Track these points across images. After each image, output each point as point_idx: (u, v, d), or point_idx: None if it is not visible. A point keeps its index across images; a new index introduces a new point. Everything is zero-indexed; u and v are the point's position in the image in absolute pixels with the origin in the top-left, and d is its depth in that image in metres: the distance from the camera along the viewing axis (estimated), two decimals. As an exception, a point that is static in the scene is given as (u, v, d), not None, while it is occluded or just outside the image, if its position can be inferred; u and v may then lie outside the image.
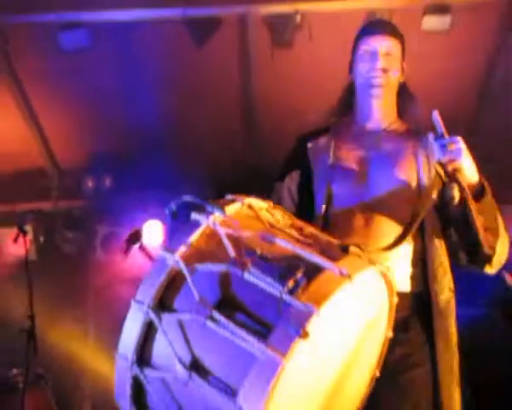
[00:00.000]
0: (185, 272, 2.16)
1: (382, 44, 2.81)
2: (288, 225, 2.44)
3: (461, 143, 2.50)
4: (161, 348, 2.18)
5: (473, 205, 2.50)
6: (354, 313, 2.28)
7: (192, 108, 6.13)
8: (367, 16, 5.80)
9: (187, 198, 2.33)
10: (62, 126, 6.81)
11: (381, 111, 2.88)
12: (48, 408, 5.51)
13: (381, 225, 2.70)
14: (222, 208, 2.28)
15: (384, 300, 2.37)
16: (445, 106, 6.51)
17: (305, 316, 2.00)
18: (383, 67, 2.78)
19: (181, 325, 2.15)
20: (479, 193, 2.55)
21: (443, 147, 2.48)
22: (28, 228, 6.20)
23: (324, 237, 2.41)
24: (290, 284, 2.03)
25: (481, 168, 2.65)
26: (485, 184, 2.57)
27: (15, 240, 5.95)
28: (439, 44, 5.80)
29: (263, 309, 2.09)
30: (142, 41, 6.02)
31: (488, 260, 2.62)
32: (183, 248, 2.20)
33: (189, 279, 2.16)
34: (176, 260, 2.18)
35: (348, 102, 2.94)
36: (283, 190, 2.93)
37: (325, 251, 2.24)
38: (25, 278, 5.41)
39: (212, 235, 2.26)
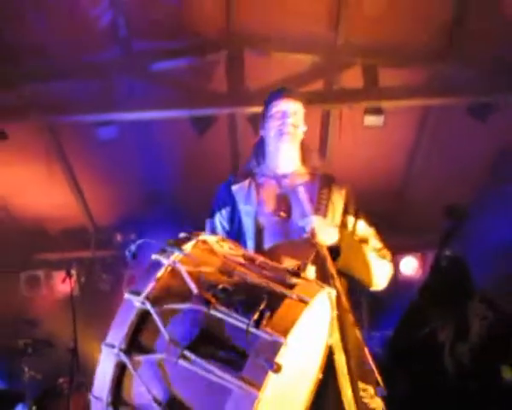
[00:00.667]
0: (153, 312, 2.06)
1: (291, 106, 2.95)
2: (241, 256, 2.37)
3: (314, 223, 2.66)
4: (135, 387, 2.07)
5: (329, 261, 2.62)
6: (311, 331, 2.25)
7: (194, 183, 6.25)
8: (322, 117, 6.37)
9: (146, 240, 2.30)
10: (99, 195, 7.09)
11: (289, 157, 2.97)
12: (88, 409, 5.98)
13: (298, 253, 2.64)
14: (180, 247, 2.21)
15: (327, 313, 2.33)
16: (378, 179, 7.25)
17: (275, 348, 1.93)
18: (293, 123, 2.92)
19: (153, 365, 2.05)
20: (337, 251, 2.67)
21: (305, 223, 2.65)
22: (73, 271, 6.42)
23: (274, 265, 2.35)
24: (255, 316, 1.97)
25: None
26: (342, 245, 2.67)
27: (64, 281, 6.20)
28: (375, 136, 6.09)
29: (232, 343, 2.00)
30: (158, 133, 6.38)
31: (369, 286, 2.81)
32: (148, 290, 2.10)
33: (157, 320, 2.05)
34: (142, 301, 2.07)
35: (262, 153, 3.03)
36: (216, 225, 2.94)
37: (280, 279, 2.20)
38: (70, 309, 5.70)
39: (175, 274, 2.17)
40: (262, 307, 1.96)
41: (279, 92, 3.04)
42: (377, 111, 5.79)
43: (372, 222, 3.02)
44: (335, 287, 2.51)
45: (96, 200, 7.18)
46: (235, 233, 2.88)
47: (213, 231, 2.91)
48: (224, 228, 2.94)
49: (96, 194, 7.08)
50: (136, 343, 2.07)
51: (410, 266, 7.58)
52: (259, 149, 3.06)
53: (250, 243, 2.80)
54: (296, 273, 2.21)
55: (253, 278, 2.14)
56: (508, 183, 6.63)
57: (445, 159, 6.55)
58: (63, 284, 6.33)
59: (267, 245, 2.77)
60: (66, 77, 5.73)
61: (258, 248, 2.76)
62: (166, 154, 6.42)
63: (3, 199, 6.86)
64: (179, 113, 5.99)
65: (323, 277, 2.57)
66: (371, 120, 5.84)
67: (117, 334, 2.08)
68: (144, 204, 6.71)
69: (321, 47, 5.72)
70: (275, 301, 2.02)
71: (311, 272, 2.54)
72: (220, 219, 2.96)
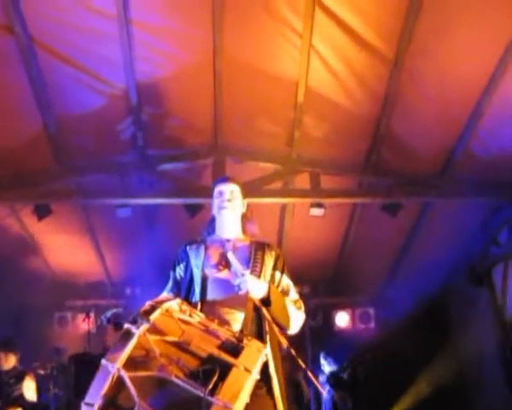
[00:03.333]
0: (126, 378, 1.89)
1: (228, 187, 2.88)
2: (196, 322, 2.21)
3: (246, 277, 2.51)
4: None
5: (263, 309, 2.52)
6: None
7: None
8: (281, 209, 6.44)
9: (119, 310, 2.09)
10: (115, 257, 7.05)
11: (230, 226, 2.84)
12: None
13: (236, 305, 2.59)
14: (148, 318, 2.02)
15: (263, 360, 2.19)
16: (320, 254, 7.31)
17: None
18: (228, 199, 2.82)
19: None
20: (268, 301, 2.53)
21: (240, 281, 2.51)
22: (92, 314, 6.49)
23: (223, 331, 2.18)
24: (210, 385, 1.85)
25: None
26: (271, 297, 2.54)
27: (84, 320, 6.26)
28: (318, 222, 6.17)
29: (190, 407, 1.87)
30: (161, 214, 6.38)
31: (287, 330, 2.64)
32: (121, 357, 1.91)
33: (129, 385, 1.88)
34: (117, 368, 1.90)
35: (212, 226, 2.89)
36: (176, 275, 2.82)
37: (227, 346, 2.05)
38: (87, 343, 5.83)
39: (143, 343, 1.97)
40: (215, 378, 1.86)
41: (219, 179, 3.07)
42: (319, 205, 5.85)
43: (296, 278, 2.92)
44: (271, 332, 2.50)
45: (113, 261, 7.13)
46: (187, 281, 2.76)
47: (175, 280, 2.82)
48: (181, 277, 2.82)
49: (113, 256, 7.04)
50: (112, 404, 1.93)
51: (343, 319, 7.61)
52: (210, 224, 2.98)
53: (197, 289, 2.68)
54: (240, 339, 2.10)
55: (207, 348, 2.00)
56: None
57: (367, 240, 6.67)
58: (84, 323, 6.29)
59: (210, 291, 2.66)
60: (96, 171, 5.79)
61: (203, 292, 2.66)
62: (166, 229, 6.36)
63: (43, 254, 6.83)
64: (177, 200, 5.91)
65: (258, 324, 2.55)
66: (315, 211, 5.86)
67: (95, 394, 1.93)
68: (149, 265, 6.48)
69: (280, 158, 5.88)
70: (224, 370, 1.91)
71: (241, 318, 2.47)
72: (179, 270, 2.86)
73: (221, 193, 2.90)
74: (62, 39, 4.56)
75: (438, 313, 6.84)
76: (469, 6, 4.09)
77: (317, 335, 7.27)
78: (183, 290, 2.70)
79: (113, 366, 1.90)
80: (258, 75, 4.97)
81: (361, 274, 6.87)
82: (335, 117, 5.31)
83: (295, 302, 2.79)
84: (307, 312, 2.94)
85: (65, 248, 6.68)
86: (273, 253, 2.87)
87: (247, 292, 2.51)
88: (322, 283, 7.59)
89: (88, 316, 6.14)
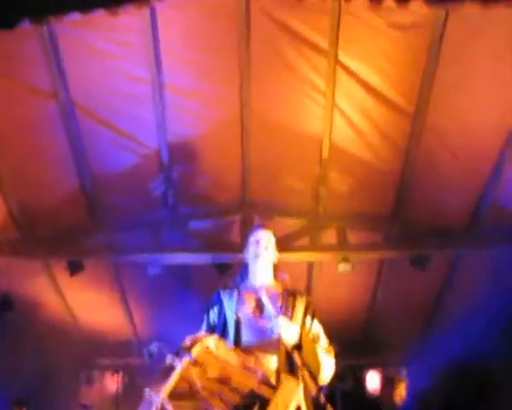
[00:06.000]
0: (169, 409, 1.98)
1: (264, 235, 2.97)
2: (235, 359, 2.32)
3: (279, 321, 2.64)
4: None
5: (295, 353, 2.60)
6: None
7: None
8: (308, 265, 6.43)
9: (162, 344, 2.24)
10: (143, 316, 7.05)
11: (264, 274, 2.93)
12: None
13: (269, 348, 2.66)
14: (190, 353, 2.11)
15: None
16: (349, 311, 7.11)
17: None
18: (265, 246, 2.91)
19: None
20: (299, 346, 2.63)
21: (273, 324, 2.64)
22: (120, 373, 6.67)
23: (260, 368, 2.28)
24: None
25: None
26: (302, 342, 2.64)
27: (112, 379, 6.52)
28: (346, 278, 6.18)
29: None
30: (190, 272, 6.39)
31: (318, 375, 2.68)
32: (165, 389, 1.97)
33: None
34: (161, 398, 1.97)
35: (246, 272, 2.98)
36: (210, 320, 2.91)
37: (265, 382, 2.18)
38: (115, 402, 6.01)
39: (186, 376, 2.05)
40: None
41: (255, 226, 3.22)
42: (347, 260, 5.87)
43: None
44: (302, 376, 2.53)
45: (142, 319, 7.16)
46: (221, 325, 2.86)
47: (208, 324, 2.92)
48: (214, 321, 2.93)
49: (142, 314, 7.07)
50: None
51: (374, 381, 7.43)
52: (243, 270, 3.06)
53: (231, 333, 2.77)
54: (277, 376, 2.23)
55: (247, 383, 2.09)
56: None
57: (397, 296, 6.60)
58: (111, 382, 6.49)
59: (244, 335, 2.75)
60: (128, 228, 6.00)
61: (237, 335, 2.75)
62: (195, 286, 6.28)
63: (72, 311, 6.92)
64: (206, 256, 6.01)
65: (291, 367, 2.60)
66: (343, 267, 5.88)
67: None
68: (177, 324, 6.41)
69: (306, 214, 6.03)
70: (264, 405, 2.03)
71: (273, 361, 2.53)
72: (212, 314, 2.96)
73: (258, 241, 2.99)
74: (100, 102, 4.98)
75: (480, 381, 6.44)
76: (485, 57, 4.29)
77: (348, 398, 7.10)
78: (217, 334, 2.76)
79: (157, 397, 1.99)
80: (284, 132, 5.25)
81: (392, 332, 6.77)
82: (360, 171, 5.51)
83: (326, 348, 2.87)
84: (336, 374, 2.97)
85: (94, 305, 6.80)
86: (304, 299, 2.98)
87: (280, 336, 2.61)
88: (352, 342, 7.45)
89: (115, 375, 6.36)
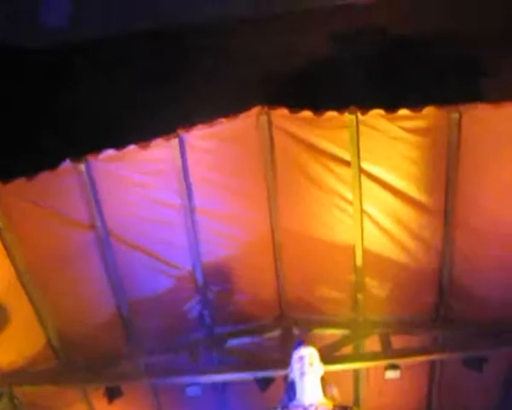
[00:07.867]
0: None
1: (307, 351, 3.07)
2: None
3: None
4: None
5: None
6: None
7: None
8: (353, 376, 6.17)
9: None
10: None
11: (312, 391, 2.99)
12: None
13: None
14: None
15: None
16: None
17: None
18: (310, 363, 3.00)
19: None
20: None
21: None
22: None
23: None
24: None
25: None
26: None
27: None
28: (395, 386, 5.94)
29: None
30: (231, 390, 6.29)
31: None
32: None
33: None
34: None
35: (293, 391, 3.03)
36: None
37: None
38: None
39: None
40: None
41: (297, 343, 3.26)
42: (394, 367, 5.63)
43: None
44: None
45: None
46: None
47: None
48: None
49: None
50: None
51: None
52: (290, 388, 3.12)
53: None
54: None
55: None
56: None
57: (453, 402, 6.32)
58: None
59: None
60: (165, 351, 5.91)
61: None
62: (237, 404, 6.39)
63: None
64: (246, 375, 5.86)
65: None
66: (391, 374, 5.63)
67: None
68: None
69: (346, 323, 5.92)
70: None
71: None
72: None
73: (301, 358, 3.07)
74: (134, 230, 5.21)
75: None
76: (500, 141, 4.39)
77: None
78: None
79: None
80: (316, 244, 5.34)
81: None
82: (396, 274, 5.48)
83: None
84: None
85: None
86: None
87: None
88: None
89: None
